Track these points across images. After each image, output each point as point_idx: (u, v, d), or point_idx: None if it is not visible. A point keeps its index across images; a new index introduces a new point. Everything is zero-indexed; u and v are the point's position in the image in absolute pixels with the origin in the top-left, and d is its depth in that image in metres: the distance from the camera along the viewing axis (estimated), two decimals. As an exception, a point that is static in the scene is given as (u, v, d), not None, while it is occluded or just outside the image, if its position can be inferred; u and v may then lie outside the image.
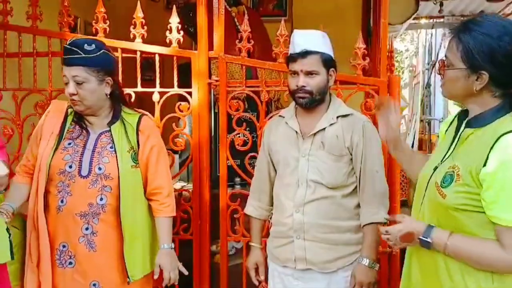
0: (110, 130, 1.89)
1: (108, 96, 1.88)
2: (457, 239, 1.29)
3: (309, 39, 1.83)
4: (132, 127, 1.92)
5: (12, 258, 1.73)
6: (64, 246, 1.82)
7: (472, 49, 1.27)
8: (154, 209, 1.94)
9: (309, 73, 1.82)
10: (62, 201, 1.81)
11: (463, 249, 1.29)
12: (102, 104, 1.88)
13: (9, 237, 1.72)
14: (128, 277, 1.84)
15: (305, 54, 1.80)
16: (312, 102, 1.85)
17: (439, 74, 1.39)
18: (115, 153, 1.85)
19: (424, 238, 1.33)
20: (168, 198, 1.94)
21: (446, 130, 1.51)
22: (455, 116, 1.47)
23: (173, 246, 1.95)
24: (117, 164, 1.83)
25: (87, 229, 1.81)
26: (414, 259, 1.47)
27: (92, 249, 1.81)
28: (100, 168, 1.83)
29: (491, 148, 1.22)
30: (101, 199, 1.82)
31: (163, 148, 2.00)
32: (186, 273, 1.97)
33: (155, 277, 1.90)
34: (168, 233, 1.94)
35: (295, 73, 1.84)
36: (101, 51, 1.82)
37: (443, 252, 1.31)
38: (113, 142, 1.86)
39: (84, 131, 1.89)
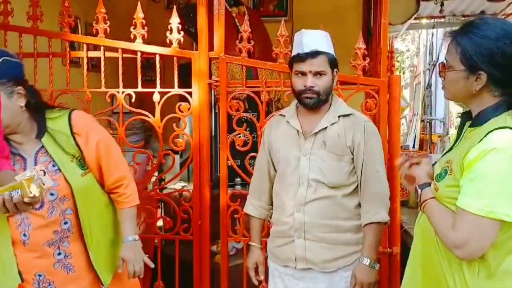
0: (43, 146, 1.70)
1: (24, 108, 1.67)
2: (434, 204, 1.37)
3: (317, 39, 1.84)
4: (65, 134, 1.72)
5: (22, 280, 1.69)
6: (40, 276, 1.73)
7: (470, 51, 1.30)
8: (116, 201, 1.84)
9: (317, 74, 1.82)
10: (24, 235, 1.69)
11: (433, 214, 1.37)
12: (20, 120, 1.67)
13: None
14: (103, 284, 1.80)
15: (315, 54, 1.80)
16: (318, 103, 1.85)
17: (440, 76, 1.43)
18: (60, 171, 1.69)
19: (417, 188, 1.43)
20: (128, 188, 1.84)
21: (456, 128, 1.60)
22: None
23: (137, 238, 1.85)
24: (67, 182, 1.69)
25: (59, 254, 1.73)
26: (416, 258, 1.48)
27: (70, 271, 1.75)
28: (52, 194, 1.69)
29: (479, 142, 1.27)
30: (65, 223, 1.72)
31: (108, 138, 1.84)
32: (152, 265, 1.89)
33: (120, 270, 1.83)
34: (132, 224, 1.84)
35: (302, 73, 1.84)
36: (2, 59, 1.59)
37: (421, 208, 1.41)
38: (53, 159, 1.69)
39: (18, 157, 1.70)
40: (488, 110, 1.33)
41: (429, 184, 1.41)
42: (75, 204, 1.71)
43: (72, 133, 1.73)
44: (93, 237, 1.77)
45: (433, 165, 1.47)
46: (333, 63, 1.85)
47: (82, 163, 1.75)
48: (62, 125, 1.73)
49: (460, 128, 1.45)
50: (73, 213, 1.73)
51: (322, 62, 1.82)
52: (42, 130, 1.71)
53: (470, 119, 1.41)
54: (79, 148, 1.74)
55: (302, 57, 1.82)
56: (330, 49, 1.85)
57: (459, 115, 1.51)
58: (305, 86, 1.82)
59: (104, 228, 1.84)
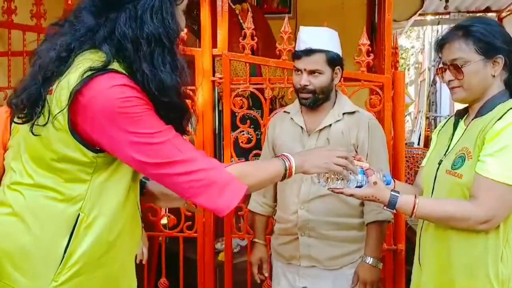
0: None
1: None
2: (425, 202, 1.37)
3: (314, 37, 1.82)
4: None
5: None
6: None
7: (485, 37, 1.36)
8: None
9: (312, 72, 1.81)
10: None
11: (434, 210, 1.36)
12: None
13: None
14: None
15: (309, 52, 1.79)
16: (315, 102, 1.84)
17: (444, 81, 1.44)
18: None
19: (389, 210, 1.40)
20: None
21: (438, 132, 1.60)
22: (447, 119, 1.59)
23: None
24: None
25: None
26: (426, 252, 1.48)
27: None
28: None
29: (498, 119, 1.30)
30: None
31: None
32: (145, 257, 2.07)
33: None
34: None
35: (298, 70, 1.84)
36: None
37: (414, 216, 1.38)
38: None
39: None
40: (494, 98, 1.38)
41: (395, 198, 1.37)
42: None
43: None
44: None
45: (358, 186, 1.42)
46: (333, 61, 1.82)
47: None
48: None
49: (455, 125, 1.49)
50: None
51: (317, 60, 1.80)
52: None
53: (463, 117, 1.48)
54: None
55: (298, 55, 1.83)
56: (331, 47, 1.82)
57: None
58: (300, 85, 1.82)
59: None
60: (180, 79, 1.09)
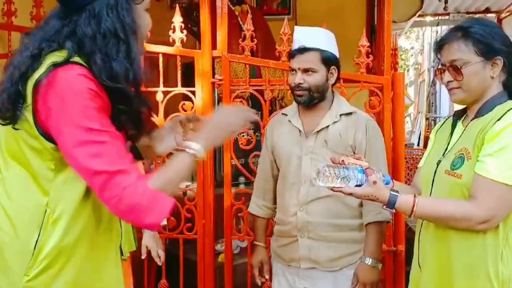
0: None
1: None
2: (424, 202, 1.37)
3: (307, 36, 1.83)
4: None
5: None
6: None
7: (484, 38, 1.36)
8: None
9: (306, 70, 1.81)
10: None
11: (433, 209, 1.37)
12: None
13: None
14: (122, 254, 1.90)
15: (302, 50, 1.80)
16: (310, 100, 1.84)
17: (443, 82, 1.44)
18: None
19: (388, 209, 1.39)
20: None
21: (436, 133, 1.61)
22: (445, 120, 1.59)
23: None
24: None
25: None
26: (426, 253, 1.48)
27: None
28: None
29: (498, 120, 1.30)
30: None
31: None
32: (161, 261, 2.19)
33: (142, 257, 2.18)
34: None
35: (293, 70, 1.84)
36: None
37: (413, 216, 1.37)
38: None
39: None
40: (493, 99, 1.39)
41: (394, 198, 1.36)
42: None
43: None
44: None
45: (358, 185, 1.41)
46: (328, 61, 1.82)
47: None
48: None
49: (453, 126, 1.49)
50: None
51: (311, 58, 1.80)
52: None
53: (461, 117, 1.48)
54: None
55: (292, 54, 1.84)
56: (325, 46, 1.82)
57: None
58: (294, 83, 1.82)
59: None
60: (133, 68, 1.14)
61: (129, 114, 1.15)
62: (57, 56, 1.10)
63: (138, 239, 2.17)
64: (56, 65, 1.07)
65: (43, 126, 1.09)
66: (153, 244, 2.16)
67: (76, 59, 1.10)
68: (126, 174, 1.07)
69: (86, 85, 1.06)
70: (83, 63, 1.09)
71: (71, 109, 1.05)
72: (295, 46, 1.83)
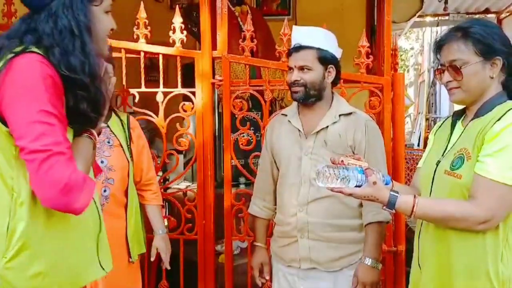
0: (108, 126, 2.02)
1: None
2: (425, 202, 1.37)
3: (304, 34, 1.84)
4: (124, 123, 2.10)
5: None
6: None
7: (484, 38, 1.37)
8: (147, 198, 2.17)
9: (301, 68, 1.82)
10: None
11: (433, 209, 1.37)
12: None
13: None
14: (131, 257, 2.04)
15: (298, 48, 1.82)
16: (306, 97, 1.84)
17: (442, 82, 1.44)
18: (120, 146, 2.03)
19: (388, 210, 1.39)
20: (158, 189, 2.21)
21: (435, 133, 1.61)
22: (444, 120, 1.59)
23: (165, 231, 2.23)
24: (125, 155, 2.03)
25: None
26: (426, 254, 1.48)
27: None
28: (102, 162, 1.97)
29: (498, 120, 1.31)
30: (105, 190, 1.96)
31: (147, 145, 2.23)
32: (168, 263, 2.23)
33: (152, 259, 2.21)
34: (161, 219, 2.22)
35: (290, 68, 1.86)
36: None
37: (413, 216, 1.37)
38: (115, 135, 2.03)
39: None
40: (493, 100, 1.39)
41: (394, 198, 1.36)
42: (120, 179, 1.99)
43: (129, 127, 2.10)
44: (133, 216, 2.05)
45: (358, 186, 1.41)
46: (324, 59, 1.82)
47: (130, 151, 2.07)
48: (123, 117, 2.11)
49: (452, 126, 1.49)
50: (113, 184, 1.98)
51: (306, 56, 1.81)
52: (109, 115, 2.05)
53: (460, 118, 1.48)
54: (130, 139, 2.09)
55: (289, 52, 1.86)
56: (323, 45, 1.82)
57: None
58: (291, 80, 1.83)
59: (137, 213, 2.11)
60: (88, 61, 1.21)
61: (88, 101, 1.22)
62: (17, 50, 1.18)
63: (148, 241, 2.20)
64: (14, 55, 1.16)
65: (1, 110, 1.15)
66: (164, 247, 2.18)
67: (34, 49, 1.17)
68: (67, 157, 1.13)
69: (41, 69, 1.14)
70: (41, 53, 1.17)
71: (24, 90, 1.12)
72: (292, 44, 1.85)
